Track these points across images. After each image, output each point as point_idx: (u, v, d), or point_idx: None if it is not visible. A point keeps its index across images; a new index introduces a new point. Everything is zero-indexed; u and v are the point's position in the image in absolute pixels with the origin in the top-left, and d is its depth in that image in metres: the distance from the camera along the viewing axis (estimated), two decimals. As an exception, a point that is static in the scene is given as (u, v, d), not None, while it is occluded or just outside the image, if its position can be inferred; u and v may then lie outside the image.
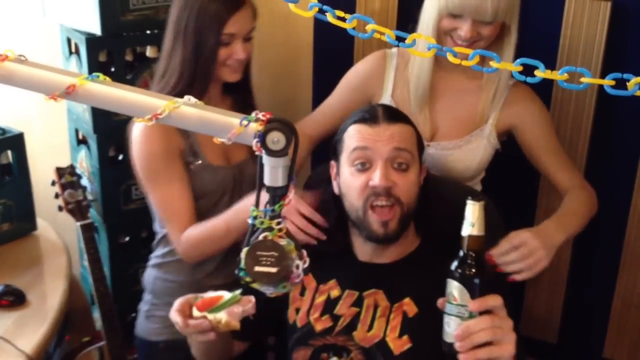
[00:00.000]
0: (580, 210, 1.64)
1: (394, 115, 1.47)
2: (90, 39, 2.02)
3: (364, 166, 1.42)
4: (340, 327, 1.45)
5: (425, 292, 1.43)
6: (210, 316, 1.28)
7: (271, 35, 2.43)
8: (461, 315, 1.20)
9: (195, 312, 1.30)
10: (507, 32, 1.63)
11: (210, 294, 1.32)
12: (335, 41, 2.15)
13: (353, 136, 1.44)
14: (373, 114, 1.45)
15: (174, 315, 1.31)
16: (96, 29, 1.99)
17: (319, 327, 1.46)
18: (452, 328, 1.21)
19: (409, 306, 1.43)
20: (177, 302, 1.33)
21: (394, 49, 1.80)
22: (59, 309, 1.85)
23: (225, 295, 1.29)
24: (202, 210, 1.72)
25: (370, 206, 1.41)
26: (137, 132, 1.68)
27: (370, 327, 1.43)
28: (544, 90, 1.75)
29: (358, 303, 1.46)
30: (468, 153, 1.72)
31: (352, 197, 1.44)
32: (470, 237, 1.21)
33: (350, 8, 2.13)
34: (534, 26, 1.95)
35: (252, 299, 1.30)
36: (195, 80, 1.67)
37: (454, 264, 1.22)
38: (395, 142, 1.41)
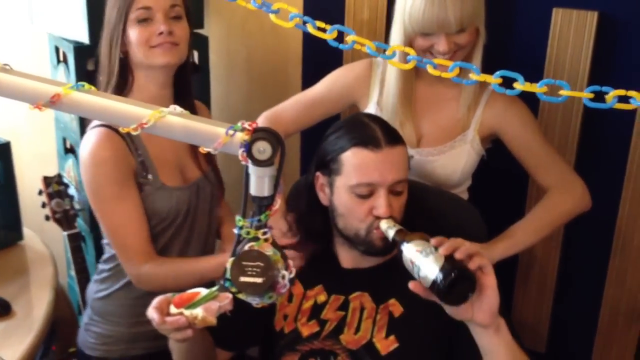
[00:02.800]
0: (544, 219, 1.67)
1: (392, 136, 1.45)
2: (78, 48, 2.02)
3: (369, 192, 1.41)
4: (327, 331, 1.45)
5: (409, 292, 1.44)
6: (187, 312, 1.27)
7: (260, 45, 2.44)
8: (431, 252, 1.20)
9: (173, 309, 1.29)
10: (478, 35, 1.64)
11: (189, 291, 1.31)
12: (324, 51, 2.13)
13: (356, 165, 1.41)
14: (374, 135, 1.42)
15: (151, 312, 1.30)
16: (84, 37, 1.99)
17: (305, 332, 1.46)
18: (426, 265, 1.19)
19: (394, 306, 1.44)
20: (155, 300, 1.32)
21: (380, 58, 1.80)
22: (45, 319, 1.84)
23: (203, 291, 1.29)
24: (155, 231, 1.67)
25: (376, 227, 1.41)
26: (86, 152, 1.59)
27: (358, 330, 1.44)
28: (531, 101, 1.75)
29: (344, 307, 1.47)
30: (452, 159, 1.73)
31: (352, 220, 1.44)
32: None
33: (339, 18, 2.14)
34: (521, 37, 1.96)
35: (230, 295, 1.29)
36: (120, 72, 1.59)
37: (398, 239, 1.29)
38: (396, 174, 1.41)
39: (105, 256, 1.79)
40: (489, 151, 1.79)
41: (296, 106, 1.80)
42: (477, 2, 1.59)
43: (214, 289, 1.28)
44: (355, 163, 1.41)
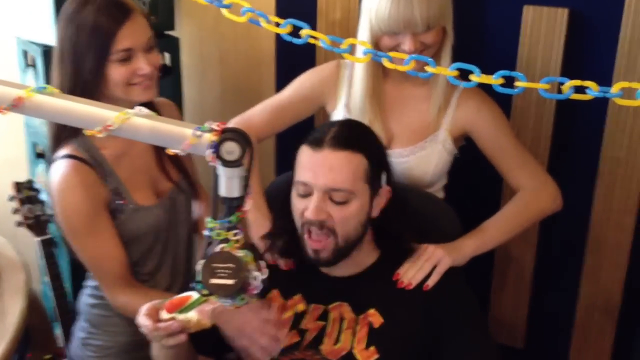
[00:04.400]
0: (516, 219, 1.68)
1: (341, 141, 1.40)
2: (47, 51, 1.99)
3: (305, 192, 1.40)
4: (307, 341, 1.44)
5: (388, 302, 1.44)
6: (181, 316, 1.25)
7: (233, 46, 2.42)
8: None
9: (164, 315, 1.27)
10: (446, 35, 1.63)
11: (178, 296, 1.29)
12: (297, 52, 2.14)
13: (299, 162, 1.43)
14: (320, 136, 1.41)
15: (142, 320, 1.29)
16: (52, 40, 1.95)
17: (285, 342, 1.44)
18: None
19: (374, 317, 1.43)
20: (145, 307, 1.31)
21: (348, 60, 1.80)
22: (18, 326, 1.81)
23: (194, 295, 1.27)
24: (141, 252, 1.66)
25: (307, 230, 1.40)
26: (55, 185, 1.56)
27: (337, 340, 1.43)
28: (504, 101, 1.76)
29: (323, 317, 1.46)
30: (423, 159, 1.72)
31: (295, 217, 1.44)
32: None
33: (312, 19, 2.13)
34: (492, 35, 1.97)
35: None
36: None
37: None
38: (330, 181, 1.37)
39: None
40: (465, 148, 1.80)
41: (266, 111, 1.78)
42: (444, 2, 1.59)
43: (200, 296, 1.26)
44: (298, 160, 1.43)
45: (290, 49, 2.23)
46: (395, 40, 1.59)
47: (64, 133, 1.56)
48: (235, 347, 1.43)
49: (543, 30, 1.87)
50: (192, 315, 1.26)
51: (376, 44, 1.61)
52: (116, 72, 1.50)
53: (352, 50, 0.87)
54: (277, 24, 0.86)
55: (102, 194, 1.58)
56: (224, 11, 0.86)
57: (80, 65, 1.49)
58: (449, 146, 1.73)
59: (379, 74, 1.71)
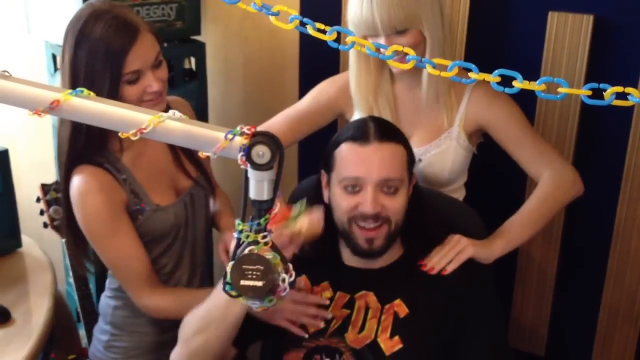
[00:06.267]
0: (539, 210, 1.67)
1: (385, 133, 1.45)
2: (76, 55, 2.01)
3: (354, 189, 1.43)
4: (332, 328, 1.46)
5: (415, 293, 1.45)
6: (290, 225, 1.23)
7: (257, 51, 2.45)
8: None
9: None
10: (424, 39, 1.63)
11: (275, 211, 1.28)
12: (321, 56, 2.16)
13: (344, 159, 1.45)
14: (364, 130, 1.44)
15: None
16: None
17: (311, 328, 1.47)
18: None
19: (399, 307, 1.45)
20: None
21: None
22: (44, 326, 1.83)
23: (294, 206, 1.26)
24: (160, 251, 1.67)
25: (356, 223, 1.43)
26: (75, 191, 1.57)
27: (362, 329, 1.45)
28: (528, 104, 1.76)
29: (349, 305, 1.48)
30: (439, 157, 1.74)
31: (340, 213, 1.46)
32: None
33: (336, 22, 2.14)
34: (517, 42, 1.97)
35: (320, 207, 1.27)
36: (96, 136, 1.54)
37: None
38: (385, 172, 1.41)
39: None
40: (485, 147, 1.80)
41: (285, 120, 1.83)
42: (413, 6, 1.58)
43: (303, 201, 1.25)
44: (343, 157, 1.45)
45: (314, 54, 2.26)
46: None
47: (80, 148, 1.56)
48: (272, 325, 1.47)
49: (568, 37, 1.87)
50: (304, 221, 1.23)
51: None
52: (127, 93, 1.52)
53: (395, 56, 0.88)
54: (324, 31, 0.88)
55: (121, 197, 1.59)
56: (273, 19, 0.88)
57: (97, 89, 1.45)
58: (463, 142, 1.74)
59: (379, 72, 1.74)
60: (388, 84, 1.76)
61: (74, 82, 1.51)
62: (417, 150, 1.73)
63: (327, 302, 1.48)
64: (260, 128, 1.76)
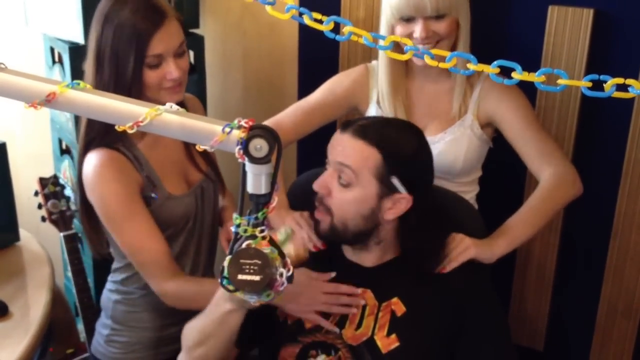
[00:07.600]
0: (540, 209, 1.67)
1: (360, 131, 1.41)
2: (74, 48, 2.01)
3: (325, 168, 1.46)
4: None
5: (413, 293, 1.45)
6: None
7: (256, 44, 2.44)
8: None
9: None
10: (459, 28, 1.67)
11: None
12: (320, 50, 2.16)
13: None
14: (351, 122, 1.45)
15: None
16: (79, 37, 1.98)
17: (308, 323, 1.46)
18: None
19: (397, 305, 1.45)
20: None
21: (374, 62, 1.84)
22: (42, 320, 1.83)
23: (279, 233, 1.25)
24: (169, 240, 1.65)
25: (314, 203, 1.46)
26: (90, 172, 1.56)
27: (359, 326, 1.44)
28: (527, 98, 1.75)
29: None
30: (453, 144, 1.75)
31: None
32: None
33: (335, 12, 2.13)
34: (517, 35, 1.96)
35: (306, 218, 1.28)
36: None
37: None
38: (341, 157, 1.41)
39: (118, 265, 1.74)
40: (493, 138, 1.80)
41: (296, 113, 1.82)
42: None
43: (287, 227, 1.24)
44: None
45: (313, 47, 2.26)
46: (408, 28, 1.64)
47: (95, 132, 1.57)
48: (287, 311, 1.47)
49: (568, 31, 1.87)
50: (290, 248, 1.23)
51: (392, 34, 1.65)
52: (148, 77, 1.52)
53: (393, 47, 0.88)
54: (320, 21, 0.87)
55: (137, 181, 1.58)
56: (268, 8, 0.87)
57: (121, 69, 1.50)
58: (477, 130, 1.75)
59: (399, 68, 1.76)
60: (404, 79, 1.78)
61: (99, 60, 1.52)
62: (432, 138, 1.73)
63: (359, 291, 1.46)
64: (270, 121, 1.80)
